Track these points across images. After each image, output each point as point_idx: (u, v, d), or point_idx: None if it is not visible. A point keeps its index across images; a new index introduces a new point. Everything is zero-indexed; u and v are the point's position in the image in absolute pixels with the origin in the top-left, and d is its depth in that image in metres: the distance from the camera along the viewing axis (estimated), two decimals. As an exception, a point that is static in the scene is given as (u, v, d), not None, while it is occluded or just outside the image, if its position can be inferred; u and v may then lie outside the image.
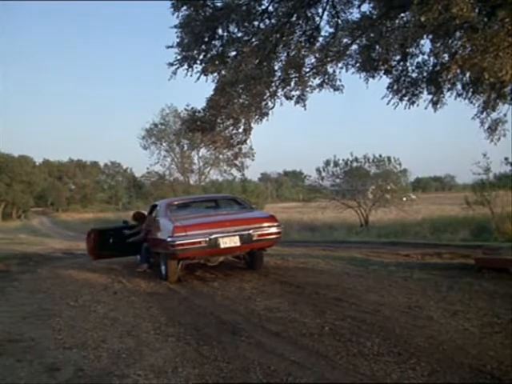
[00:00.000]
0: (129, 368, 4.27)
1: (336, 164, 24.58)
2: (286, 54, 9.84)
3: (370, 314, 5.65)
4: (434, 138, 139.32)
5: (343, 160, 24.47)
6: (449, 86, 9.33)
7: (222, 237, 8.02)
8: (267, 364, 4.22)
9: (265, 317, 5.85)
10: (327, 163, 24.65)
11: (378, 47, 8.91)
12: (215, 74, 9.87)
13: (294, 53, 9.67)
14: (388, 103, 9.35)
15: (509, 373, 3.75)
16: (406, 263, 9.26)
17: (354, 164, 24.34)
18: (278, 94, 9.58)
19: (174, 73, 9.55)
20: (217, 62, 9.82)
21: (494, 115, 9.73)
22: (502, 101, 9.66)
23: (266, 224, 8.40)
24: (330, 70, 9.67)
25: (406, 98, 9.52)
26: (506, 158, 17.70)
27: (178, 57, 9.51)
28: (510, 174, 19.53)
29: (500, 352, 4.20)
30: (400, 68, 9.54)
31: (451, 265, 8.70)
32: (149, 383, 3.93)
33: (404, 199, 23.87)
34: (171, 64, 9.52)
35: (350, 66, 9.49)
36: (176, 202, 10.23)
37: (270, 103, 9.52)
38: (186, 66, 9.61)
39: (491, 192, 17.93)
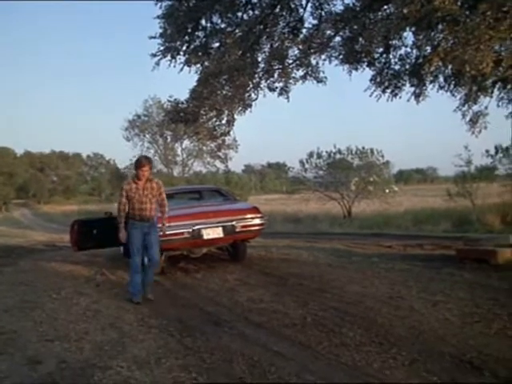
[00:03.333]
0: (111, 360, 4.24)
1: (319, 156, 24.64)
2: (269, 46, 9.79)
3: (352, 304, 5.69)
4: (416, 131, 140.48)
5: (326, 152, 24.54)
6: (431, 78, 9.35)
7: (205, 228, 8.01)
8: (250, 355, 4.23)
9: (248, 308, 5.86)
10: (310, 155, 24.70)
11: (361, 39, 8.89)
12: (198, 65, 9.81)
13: (277, 44, 9.63)
14: (371, 95, 9.36)
15: (487, 361, 3.80)
16: (389, 254, 9.33)
17: (337, 156, 24.43)
18: (262, 86, 9.53)
19: (157, 64, 9.46)
20: (200, 53, 9.76)
21: (475, 108, 9.80)
22: (483, 93, 9.73)
23: (249, 215, 8.40)
24: (314, 62, 9.63)
25: (389, 91, 9.54)
26: (487, 151, 17.94)
27: (161, 48, 9.42)
28: (490, 167, 19.80)
29: (479, 341, 4.26)
30: (383, 60, 9.55)
31: (433, 256, 8.79)
32: (131, 375, 3.91)
33: (387, 191, 24.03)
34: (154, 55, 9.42)
35: (333, 58, 9.46)
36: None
37: (253, 95, 9.47)
38: (169, 57, 9.52)
39: (472, 184, 18.17)
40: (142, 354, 4.37)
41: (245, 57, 9.27)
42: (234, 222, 8.13)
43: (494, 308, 5.21)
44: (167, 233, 7.83)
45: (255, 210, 8.66)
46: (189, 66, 9.72)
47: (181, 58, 9.62)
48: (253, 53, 9.49)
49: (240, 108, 9.50)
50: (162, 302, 6.50)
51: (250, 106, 9.61)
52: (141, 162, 6.41)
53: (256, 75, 9.42)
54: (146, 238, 6.42)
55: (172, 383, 3.74)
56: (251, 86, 9.38)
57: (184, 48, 9.67)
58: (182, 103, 9.66)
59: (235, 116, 9.69)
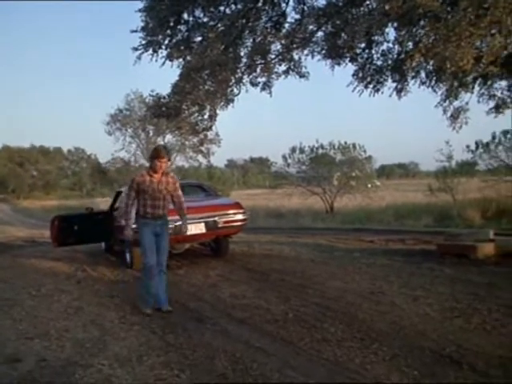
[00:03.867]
0: (93, 357, 4.22)
1: (302, 151, 24.67)
2: (251, 40, 9.77)
3: (333, 300, 5.73)
4: (398, 126, 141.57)
5: (309, 147, 24.59)
6: (413, 74, 9.41)
7: (188, 224, 7.97)
8: (232, 351, 4.24)
9: (230, 304, 5.88)
10: (293, 150, 24.72)
11: (343, 34, 8.91)
12: (180, 60, 9.75)
13: (259, 39, 9.61)
14: (353, 90, 9.39)
15: (466, 355, 3.86)
16: (370, 249, 9.41)
17: (320, 151, 24.47)
18: (244, 81, 9.52)
19: (139, 58, 9.40)
20: (182, 48, 9.70)
21: (456, 103, 9.92)
22: (463, 89, 9.84)
23: (231, 211, 8.41)
24: (296, 57, 9.65)
25: (371, 86, 9.58)
26: (468, 146, 18.15)
27: (143, 41, 9.35)
28: (471, 162, 20.05)
29: (459, 336, 4.32)
30: (365, 55, 9.59)
31: (414, 251, 8.88)
32: (113, 372, 3.89)
33: (369, 186, 24.17)
34: (136, 49, 9.35)
35: (315, 53, 9.47)
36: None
37: (235, 90, 9.45)
38: (150, 51, 9.46)
39: (453, 179, 18.39)
40: (123, 352, 4.35)
41: (227, 51, 9.24)
42: (216, 218, 8.13)
43: (474, 303, 5.29)
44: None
45: (237, 205, 8.67)
46: (171, 61, 9.67)
47: (163, 52, 9.57)
48: (235, 47, 9.47)
49: (222, 103, 9.48)
50: (144, 298, 6.47)
51: (233, 101, 9.60)
52: (159, 152, 5.68)
53: (238, 70, 9.40)
54: (156, 239, 5.68)
55: (154, 381, 3.73)
56: (233, 80, 9.36)
57: (166, 42, 9.61)
58: (164, 98, 9.60)
59: (217, 111, 9.68)
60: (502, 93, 9.96)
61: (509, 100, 10.00)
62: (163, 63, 9.58)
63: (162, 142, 43.57)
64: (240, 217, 8.43)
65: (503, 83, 9.81)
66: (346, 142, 24.21)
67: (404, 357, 3.91)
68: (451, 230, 10.97)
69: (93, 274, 8.25)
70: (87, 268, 8.74)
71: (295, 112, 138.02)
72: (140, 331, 4.97)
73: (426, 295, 5.71)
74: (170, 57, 9.60)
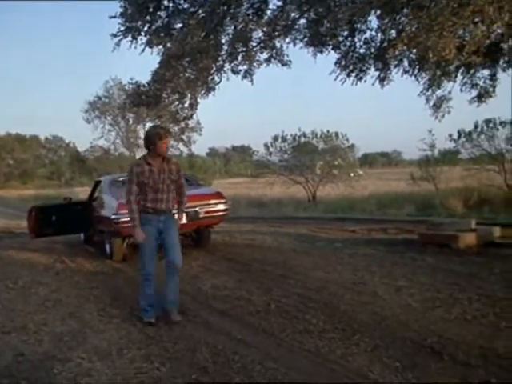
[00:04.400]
0: (72, 351, 4.20)
1: (284, 139, 24.73)
2: (233, 28, 9.69)
3: (315, 290, 5.77)
4: (381, 114, 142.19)
5: (291, 135, 24.63)
6: (396, 62, 9.46)
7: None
8: (214, 343, 4.25)
9: (212, 295, 5.89)
10: (275, 138, 24.77)
11: (325, 22, 8.90)
12: (160, 47, 9.62)
13: (241, 26, 9.54)
14: (336, 79, 9.41)
15: (447, 346, 3.92)
16: (353, 239, 9.47)
17: (302, 139, 24.55)
18: (225, 69, 9.48)
19: (118, 44, 9.26)
20: (162, 34, 9.57)
21: (439, 92, 9.97)
22: (446, 78, 9.90)
23: (212, 201, 8.40)
24: (278, 45, 9.63)
25: (354, 74, 9.59)
26: (451, 135, 18.30)
27: (122, 28, 9.21)
28: (454, 151, 20.24)
29: (440, 326, 4.38)
30: (348, 43, 9.58)
31: (396, 240, 8.96)
32: (92, 366, 3.88)
33: (351, 175, 24.32)
34: (114, 35, 9.21)
35: (297, 41, 9.47)
36: (121, 179, 10.00)
37: (216, 78, 9.41)
38: (129, 38, 9.32)
39: (436, 168, 18.57)
40: (103, 345, 4.34)
41: (208, 39, 9.16)
42: (197, 208, 8.11)
43: (455, 293, 5.36)
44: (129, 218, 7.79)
45: (219, 195, 8.65)
46: (150, 47, 9.54)
47: (142, 39, 9.42)
48: (216, 34, 9.39)
49: (203, 91, 9.44)
50: (124, 290, 6.45)
51: (214, 89, 9.56)
52: (158, 134, 4.85)
53: (219, 58, 9.35)
54: (162, 237, 4.99)
55: (134, 374, 3.73)
56: (214, 68, 9.31)
57: (145, 28, 9.47)
58: (144, 86, 9.51)
59: (198, 99, 9.63)
60: (484, 82, 10.03)
61: (491, 89, 10.08)
62: (143, 50, 9.45)
63: (142, 130, 43.35)
64: (221, 207, 8.43)
65: (486, 72, 9.89)
66: (328, 131, 24.35)
67: (385, 348, 3.95)
68: (433, 220, 11.11)
69: (71, 266, 8.19)
70: (66, 259, 8.67)
71: (277, 100, 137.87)
72: (120, 324, 4.96)
73: (408, 285, 5.77)
74: (149, 43, 9.47)
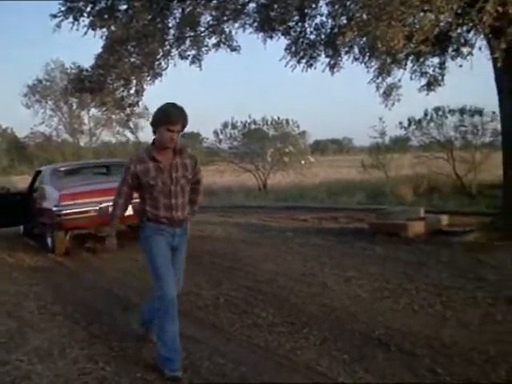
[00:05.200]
0: (10, 354, 4.09)
1: (234, 126, 24.63)
2: (180, 11, 9.57)
3: (265, 283, 5.82)
4: (332, 101, 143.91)
5: (241, 122, 24.58)
6: (346, 49, 9.56)
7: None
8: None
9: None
10: (225, 125, 24.64)
11: (276, 7, 8.91)
12: (104, 30, 9.40)
13: (189, 10, 9.44)
14: (286, 65, 9.45)
15: (394, 337, 4.03)
16: (303, 228, 9.59)
17: (253, 126, 24.54)
18: (172, 54, 9.38)
19: (58, 26, 8.99)
20: (106, 17, 9.34)
21: (389, 80, 10.14)
22: (396, 66, 10.07)
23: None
24: (227, 30, 9.59)
25: (304, 61, 9.66)
26: (401, 123, 18.66)
27: (63, 8, 8.95)
28: (404, 138, 20.67)
29: (388, 317, 4.51)
30: (298, 29, 9.62)
31: (346, 229, 9.13)
32: (33, 368, 3.79)
33: (303, 162, 24.49)
34: (54, 16, 8.94)
35: (247, 26, 9.46)
36: (63, 168, 9.79)
37: (163, 63, 9.29)
38: (71, 19, 9.06)
39: (386, 155, 18.92)
40: (44, 345, 4.24)
41: (154, 22, 9.03)
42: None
43: (403, 282, 5.53)
44: (72, 211, 7.64)
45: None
46: (93, 30, 9.30)
47: (85, 21, 9.18)
48: (163, 18, 9.26)
49: (149, 77, 9.31)
50: (67, 286, 6.34)
51: (161, 75, 9.46)
52: (169, 115, 3.53)
53: (166, 42, 9.24)
54: (174, 249, 3.86)
55: (77, 375, 3.67)
56: (161, 53, 9.20)
57: (88, 9, 9.22)
58: (87, 71, 9.30)
59: (144, 86, 9.49)
60: (433, 70, 10.26)
61: (440, 77, 10.33)
62: (85, 33, 9.21)
63: (86, 116, 42.36)
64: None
65: (435, 60, 10.13)
66: (279, 118, 24.38)
67: (334, 340, 4.04)
68: (383, 208, 11.36)
69: (9, 261, 7.97)
70: (3, 253, 8.43)
71: (227, 86, 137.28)
72: (62, 322, 4.87)
73: (358, 276, 5.90)
74: (92, 26, 9.23)
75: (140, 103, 10.08)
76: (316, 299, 5.12)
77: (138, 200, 3.82)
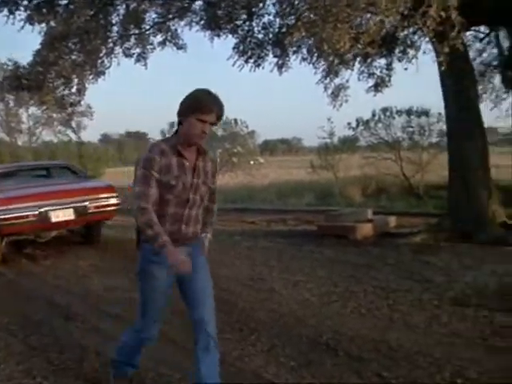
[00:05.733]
0: None
1: (181, 126, 24.53)
2: (124, 7, 9.44)
3: (213, 288, 5.78)
4: (282, 101, 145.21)
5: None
6: (294, 49, 9.64)
7: (54, 210, 7.67)
8: (104, 352, 4.13)
9: (102, 297, 5.76)
10: (172, 125, 24.50)
11: (222, 5, 8.91)
12: (43, 25, 9.15)
13: (133, 6, 9.32)
14: (234, 65, 9.44)
15: (342, 341, 4.11)
16: (252, 231, 9.63)
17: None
18: (116, 52, 9.23)
19: (-8, 18, 8.69)
20: (44, 11, 9.09)
21: (336, 81, 10.28)
22: (344, 67, 10.24)
23: (103, 195, 8.19)
24: (173, 28, 9.52)
25: (252, 60, 9.66)
26: (349, 123, 19.00)
27: (-4, -1, 8.66)
28: (353, 138, 21.05)
29: (336, 321, 4.59)
30: (246, 28, 9.64)
31: (295, 232, 9.23)
32: (-36, 386, 3.66)
33: (252, 163, 24.59)
34: (-14, 8, 8.64)
35: (194, 24, 9.40)
36: (-1, 170, 9.48)
37: (106, 61, 9.13)
38: (6, 12, 8.76)
39: (335, 156, 19.22)
40: (-25, 361, 4.10)
41: (97, 18, 8.85)
42: (86, 203, 7.89)
43: (351, 285, 5.64)
44: (8, 216, 7.41)
45: (110, 188, 8.46)
46: (31, 25, 9.02)
47: (21, 15, 8.90)
48: (106, 14, 9.09)
49: (92, 76, 9.13)
50: (3, 295, 6.13)
51: (104, 73, 9.29)
52: (202, 101, 2.84)
53: (110, 40, 9.08)
54: (184, 279, 3.06)
55: (13, 391, 3.56)
56: (104, 51, 9.04)
57: (25, 2, 8.95)
58: (24, 68, 9.03)
59: (87, 85, 9.31)
60: (381, 71, 10.48)
61: (387, 78, 10.56)
62: (22, 27, 8.92)
63: (25, 114, 41.16)
64: (113, 201, 8.25)
65: (382, 62, 10.34)
66: (227, 117, 24.40)
67: (282, 347, 4.07)
68: (332, 210, 11.53)
69: None
70: None
71: (175, 85, 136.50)
72: (-3, 335, 4.71)
73: (306, 279, 5.98)
74: (30, 20, 8.95)
75: (82, 102, 9.86)
76: (264, 304, 5.15)
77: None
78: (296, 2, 8.20)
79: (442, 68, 7.64)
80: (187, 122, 2.84)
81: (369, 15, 6.83)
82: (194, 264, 2.88)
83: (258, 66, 9.73)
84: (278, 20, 9.44)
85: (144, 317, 3.27)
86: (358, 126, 18.12)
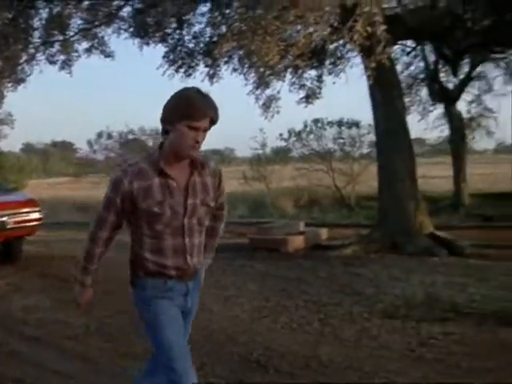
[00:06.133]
0: None
1: (110, 136, 24.11)
2: (47, 11, 9.20)
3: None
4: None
5: (117, 132, 24.10)
6: (225, 59, 9.68)
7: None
8: (23, 378, 3.95)
9: (22, 319, 5.52)
10: (100, 135, 24.07)
11: (152, 12, 8.84)
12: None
13: (57, 10, 9.09)
14: (163, 74, 9.39)
15: (272, 358, 4.11)
16: (183, 245, 9.50)
17: (130, 136, 24.15)
18: (38, 58, 8.98)
19: None
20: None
21: (268, 92, 10.38)
22: (275, 78, 10.36)
23: (24, 209, 7.91)
24: (100, 35, 9.38)
25: (183, 70, 9.65)
26: (281, 134, 19.25)
27: None
28: (285, 149, 21.33)
29: (266, 337, 4.59)
30: (176, 37, 9.61)
31: (227, 245, 9.15)
32: None
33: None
34: None
35: (122, 31, 9.31)
36: None
37: (27, 68, 8.85)
38: None
39: (267, 167, 19.41)
40: None
41: (16, 22, 8.58)
42: (5, 218, 7.59)
43: (283, 300, 5.67)
44: None
45: (31, 202, 8.17)
46: None
47: None
48: (27, 18, 8.84)
49: (11, 83, 8.82)
50: None
51: (24, 80, 9.00)
52: (193, 104, 2.25)
53: (31, 45, 8.83)
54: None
55: None
56: (25, 57, 8.76)
57: None
58: None
59: (5, 92, 8.99)
60: (311, 83, 10.68)
61: (318, 90, 10.76)
62: None
63: None
64: (35, 216, 7.97)
65: (313, 73, 10.54)
66: (157, 127, 24.23)
67: (212, 365, 4.02)
68: (264, 222, 11.59)
69: None
70: None
71: (103, 94, 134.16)
72: None
73: (237, 294, 5.97)
74: None
75: (1, 110, 9.51)
76: (194, 321, 5.05)
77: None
78: (227, 11, 8.26)
79: (370, 81, 7.87)
80: (175, 130, 2.29)
81: (298, 27, 6.96)
82: (193, 302, 2.78)
83: (189, 75, 9.73)
84: (208, 29, 9.47)
85: (169, 351, 2.51)
86: (290, 137, 18.41)
